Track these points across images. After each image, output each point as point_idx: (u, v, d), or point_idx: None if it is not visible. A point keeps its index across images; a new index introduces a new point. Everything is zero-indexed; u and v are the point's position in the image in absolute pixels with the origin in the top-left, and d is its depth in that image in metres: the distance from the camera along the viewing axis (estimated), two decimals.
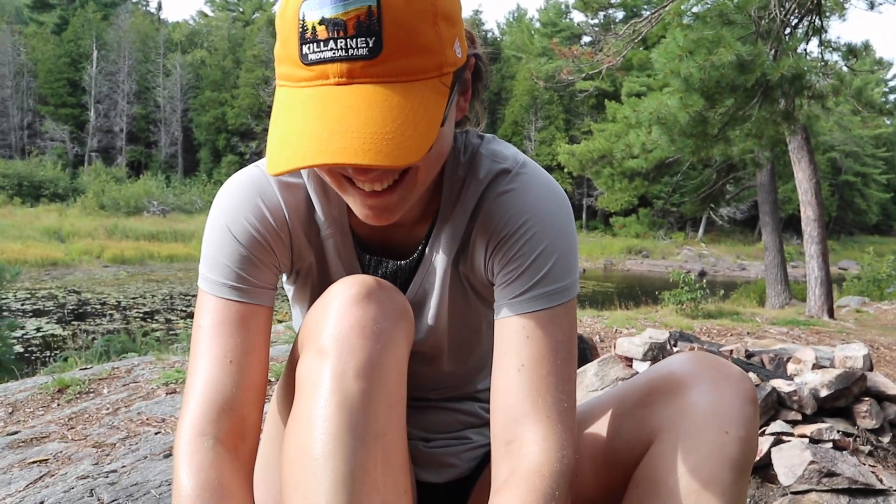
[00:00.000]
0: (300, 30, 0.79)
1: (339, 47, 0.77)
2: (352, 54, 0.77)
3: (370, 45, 0.77)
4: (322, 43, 0.78)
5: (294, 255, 1.07)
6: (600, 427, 1.06)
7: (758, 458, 2.39)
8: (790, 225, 31.96)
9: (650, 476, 0.94)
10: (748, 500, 2.34)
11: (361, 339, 0.86)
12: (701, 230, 42.71)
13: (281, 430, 0.95)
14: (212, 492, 0.87)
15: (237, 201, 1.03)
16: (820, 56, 8.67)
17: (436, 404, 1.22)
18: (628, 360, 2.99)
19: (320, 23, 0.77)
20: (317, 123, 0.78)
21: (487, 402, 1.21)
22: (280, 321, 7.20)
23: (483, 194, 1.03)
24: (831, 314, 10.32)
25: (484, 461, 1.22)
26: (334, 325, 0.88)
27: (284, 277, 1.15)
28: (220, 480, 0.88)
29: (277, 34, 0.84)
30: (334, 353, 0.86)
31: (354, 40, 0.77)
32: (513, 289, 1.00)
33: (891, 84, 49.55)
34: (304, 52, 0.79)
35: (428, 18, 0.80)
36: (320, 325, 0.90)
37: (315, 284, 1.09)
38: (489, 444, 1.20)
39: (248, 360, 0.97)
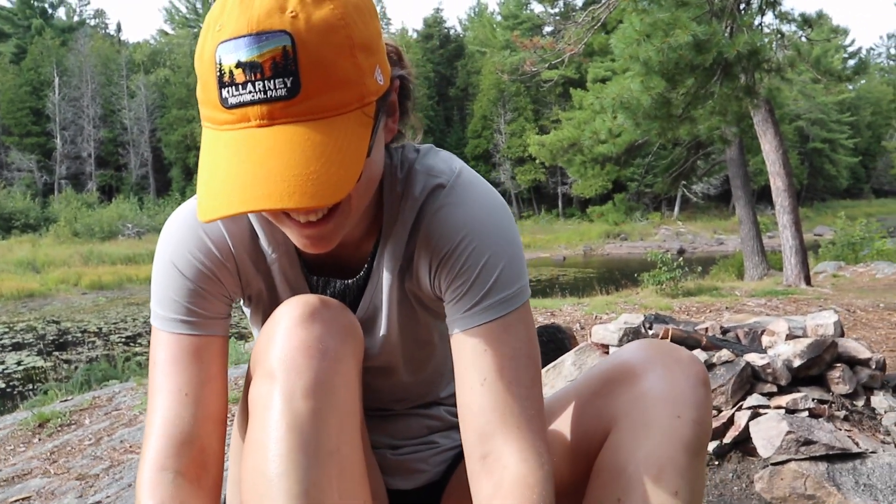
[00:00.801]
0: (218, 73, 0.78)
1: (257, 90, 0.77)
2: (270, 96, 0.77)
3: (288, 85, 0.77)
4: (240, 86, 0.77)
5: (242, 282, 1.08)
6: (562, 420, 1.07)
7: (736, 432, 2.42)
8: (763, 196, 32.30)
9: (610, 464, 0.96)
10: (730, 474, 2.37)
11: (307, 359, 0.87)
12: (676, 209, 43.02)
13: (241, 453, 0.96)
14: None
15: (180, 236, 1.03)
16: (776, 28, 8.77)
17: (400, 411, 1.22)
18: (605, 348, 3.01)
19: (237, 66, 0.77)
20: (240, 168, 0.78)
21: (452, 405, 1.22)
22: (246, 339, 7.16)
23: (420, 211, 1.03)
24: (808, 281, 10.44)
25: (453, 464, 1.23)
26: (281, 347, 0.89)
27: (241, 300, 1.15)
28: None
29: (198, 77, 0.83)
30: (282, 375, 0.87)
31: (272, 81, 0.77)
32: (463, 304, 1.00)
33: (850, 49, 50.19)
34: (223, 96, 0.79)
35: (345, 52, 0.80)
36: (267, 348, 0.90)
37: (266, 308, 1.09)
38: (457, 447, 1.22)
39: (204, 391, 0.98)
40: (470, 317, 0.99)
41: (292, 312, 0.92)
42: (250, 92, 0.77)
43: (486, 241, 1.00)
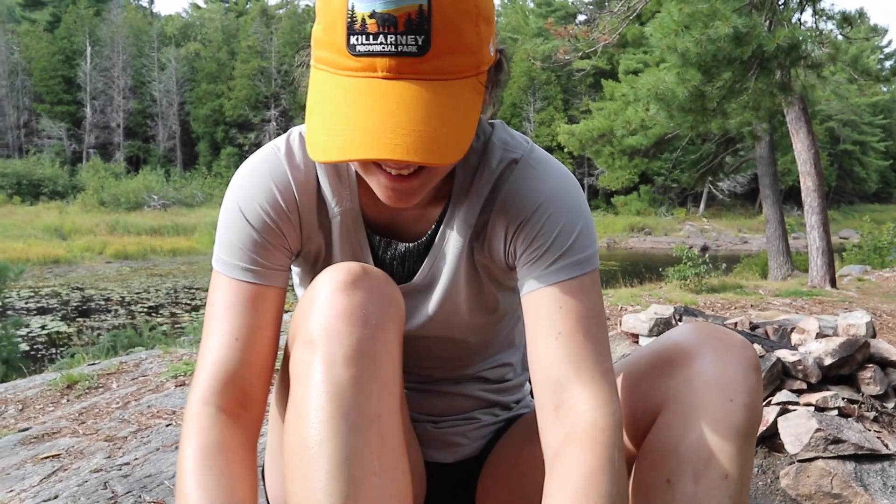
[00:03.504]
0: (349, 20, 0.80)
1: (388, 42, 0.79)
2: (401, 50, 0.80)
3: (419, 42, 0.79)
4: (371, 36, 0.79)
5: (304, 236, 1.09)
6: None
7: (764, 427, 2.41)
8: (790, 196, 31.91)
9: (658, 446, 0.95)
10: (755, 469, 2.36)
11: (349, 326, 0.87)
12: (702, 205, 42.65)
13: (281, 420, 0.97)
14: (212, 449, 0.91)
15: (251, 184, 1.05)
16: (814, 25, 8.62)
17: (443, 388, 1.22)
18: (634, 337, 3.00)
19: (371, 16, 0.79)
20: (368, 117, 0.80)
21: (495, 382, 1.22)
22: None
23: (497, 182, 1.06)
24: (833, 284, 10.33)
25: (492, 440, 1.23)
26: (322, 314, 0.89)
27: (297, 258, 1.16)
28: (221, 441, 0.92)
29: (320, 18, 0.85)
30: (322, 342, 0.87)
31: (404, 37, 0.79)
32: (540, 264, 1.03)
33: (886, 51, 49.27)
34: (351, 43, 0.81)
35: (471, 19, 0.83)
36: (308, 315, 0.91)
37: (321, 267, 1.10)
38: (499, 423, 1.22)
39: (254, 337, 1.00)
40: (547, 275, 1.02)
41: (334, 279, 0.91)
42: (381, 44, 0.80)
43: (563, 208, 1.03)
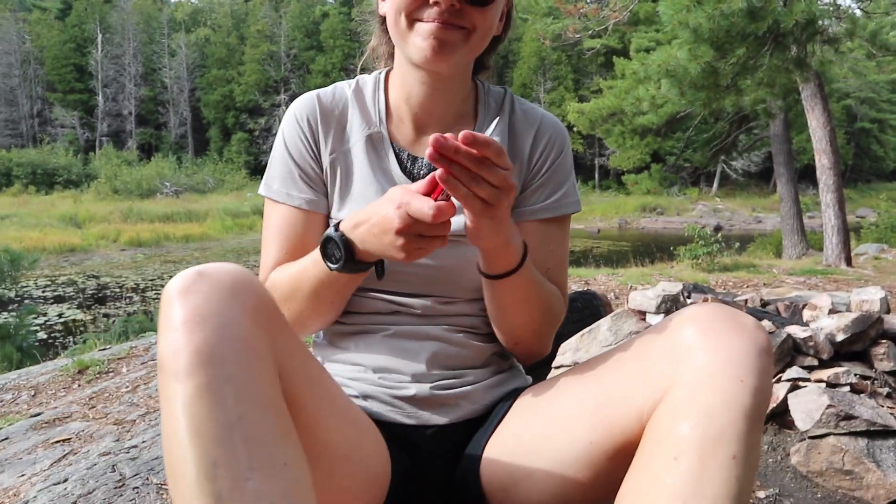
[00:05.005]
0: None
1: None
2: None
3: None
4: None
5: (332, 146, 1.23)
6: (616, 378, 1.05)
7: (774, 404, 2.38)
8: (805, 175, 31.62)
9: (667, 423, 0.93)
10: (765, 446, 2.34)
11: (185, 336, 0.84)
12: (715, 185, 42.34)
13: None
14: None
15: (286, 118, 1.26)
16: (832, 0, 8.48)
17: (434, 322, 1.22)
18: (641, 314, 2.97)
19: None
20: None
21: (480, 331, 1.26)
22: None
23: (506, 105, 1.28)
24: (849, 262, 10.24)
25: (493, 404, 1.23)
26: (162, 331, 0.87)
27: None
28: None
29: None
30: (166, 360, 0.85)
31: None
32: (548, 190, 1.24)
33: None
34: None
35: None
36: (159, 340, 0.89)
37: (342, 188, 1.24)
38: (490, 386, 1.24)
39: (301, 254, 1.18)
40: (555, 206, 1.24)
41: (166, 293, 0.89)
42: None
43: (566, 145, 1.29)
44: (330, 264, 1.07)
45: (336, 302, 1.17)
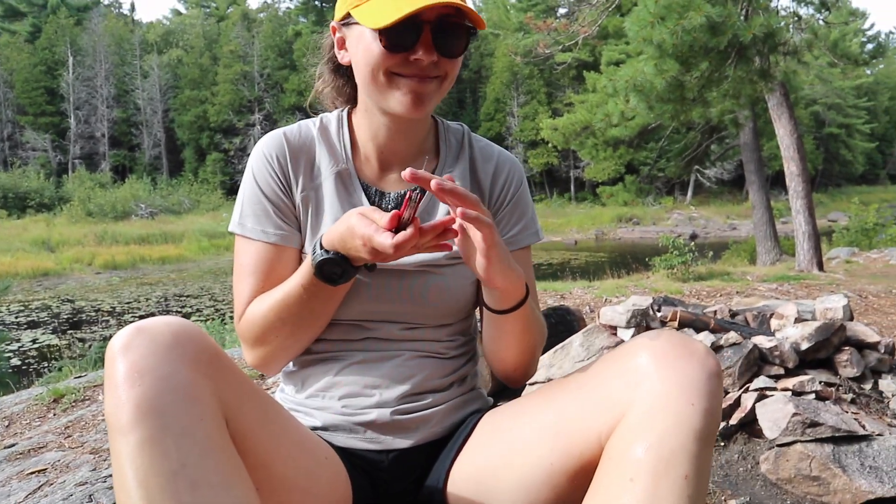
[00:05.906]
0: None
1: None
2: None
3: None
4: None
5: (302, 184, 1.26)
6: (575, 401, 1.09)
7: (742, 414, 2.43)
8: (777, 181, 32.03)
9: (622, 446, 0.98)
10: (735, 455, 2.39)
11: (125, 391, 0.88)
12: (689, 193, 42.79)
13: None
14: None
15: (254, 154, 1.28)
16: (793, 11, 8.67)
17: (400, 347, 1.26)
18: (613, 329, 3.02)
19: None
20: None
21: (444, 356, 1.29)
22: None
23: (464, 143, 1.35)
24: (821, 267, 10.41)
25: (455, 426, 1.27)
26: (106, 389, 0.91)
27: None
28: None
29: None
30: (111, 417, 0.88)
31: None
32: (512, 222, 1.32)
33: (868, 33, 49.50)
34: None
35: None
36: (104, 396, 0.93)
37: (313, 222, 1.26)
38: (451, 409, 1.27)
39: (271, 287, 1.23)
40: (519, 239, 1.32)
41: (111, 347, 0.93)
42: None
43: (523, 179, 1.38)
44: (333, 282, 1.12)
45: (328, 310, 1.21)
